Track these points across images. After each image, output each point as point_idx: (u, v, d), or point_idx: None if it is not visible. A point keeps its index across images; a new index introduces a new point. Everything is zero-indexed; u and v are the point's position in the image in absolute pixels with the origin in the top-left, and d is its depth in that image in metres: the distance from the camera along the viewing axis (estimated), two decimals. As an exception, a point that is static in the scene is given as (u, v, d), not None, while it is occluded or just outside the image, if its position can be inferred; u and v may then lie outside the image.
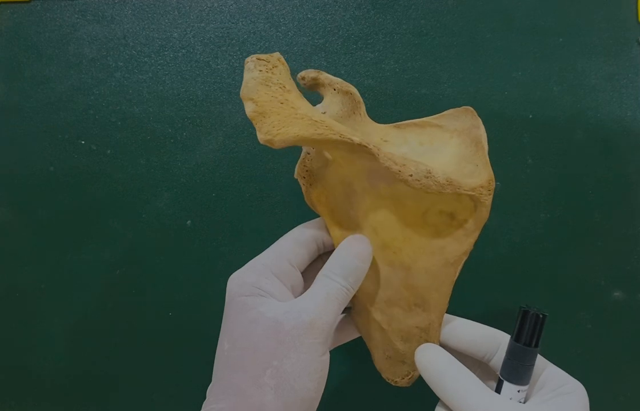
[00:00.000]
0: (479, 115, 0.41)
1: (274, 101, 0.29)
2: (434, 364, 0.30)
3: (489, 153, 0.42)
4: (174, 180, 0.42)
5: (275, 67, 0.31)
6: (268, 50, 0.43)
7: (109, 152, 0.43)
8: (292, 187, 0.42)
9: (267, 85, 0.30)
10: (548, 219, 0.41)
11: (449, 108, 0.37)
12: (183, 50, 0.43)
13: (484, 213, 0.31)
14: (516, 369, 0.30)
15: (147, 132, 0.43)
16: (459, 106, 0.41)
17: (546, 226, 0.41)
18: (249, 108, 0.29)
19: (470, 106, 0.41)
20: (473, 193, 0.30)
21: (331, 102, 0.34)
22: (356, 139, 0.28)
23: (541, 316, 0.30)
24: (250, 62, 0.30)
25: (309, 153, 0.33)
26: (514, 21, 0.42)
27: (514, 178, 0.41)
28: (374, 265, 0.32)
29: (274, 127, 0.28)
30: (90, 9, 0.44)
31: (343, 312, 0.34)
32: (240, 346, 0.28)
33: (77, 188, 0.42)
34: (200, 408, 0.29)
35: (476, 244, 0.41)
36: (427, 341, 0.33)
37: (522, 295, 0.41)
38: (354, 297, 0.33)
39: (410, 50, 0.43)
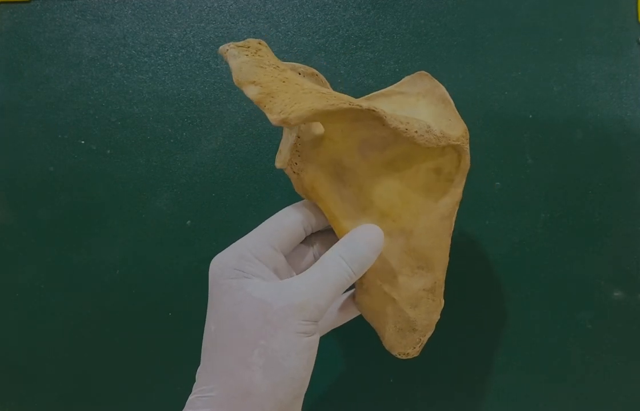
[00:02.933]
0: (479, 116, 0.42)
1: (276, 81, 0.29)
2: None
3: (489, 153, 0.42)
4: (174, 180, 0.42)
5: (259, 51, 0.30)
6: (268, 50, 0.43)
7: (109, 152, 0.43)
8: (293, 187, 0.42)
9: (262, 66, 0.29)
10: (548, 219, 0.41)
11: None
12: (183, 50, 0.43)
13: (467, 161, 0.32)
14: None
15: (147, 132, 0.43)
16: (458, 106, 0.41)
17: (546, 226, 0.41)
18: (254, 91, 0.28)
19: (470, 106, 0.42)
20: (458, 142, 0.31)
21: None
22: (364, 105, 0.29)
23: None
24: (232, 49, 0.29)
25: (299, 137, 0.32)
26: (514, 21, 0.42)
27: (514, 178, 0.41)
28: None
29: (286, 105, 0.27)
30: (90, 8, 0.44)
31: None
32: (227, 327, 0.28)
33: (77, 188, 0.42)
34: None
35: (476, 244, 0.41)
36: (434, 301, 0.33)
37: (522, 295, 0.41)
38: (362, 276, 0.32)
39: (410, 50, 0.43)
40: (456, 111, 0.33)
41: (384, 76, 0.42)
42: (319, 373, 0.41)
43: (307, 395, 0.37)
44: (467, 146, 0.32)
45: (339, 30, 0.43)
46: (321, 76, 0.33)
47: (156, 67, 0.43)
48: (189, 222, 0.42)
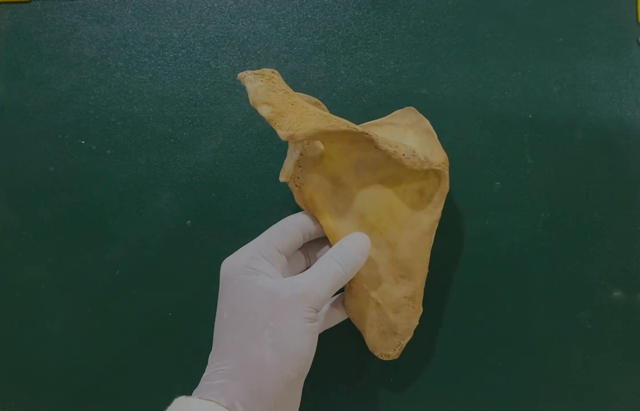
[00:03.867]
0: (479, 116, 0.42)
1: (286, 103, 0.33)
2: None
3: (489, 153, 0.42)
4: (174, 180, 0.42)
5: (272, 78, 0.35)
6: (268, 50, 0.43)
7: (109, 152, 0.43)
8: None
9: (274, 91, 0.34)
10: (548, 219, 0.41)
11: (448, 108, 0.42)
12: (183, 51, 0.43)
13: (446, 185, 0.37)
14: None
15: (147, 132, 0.43)
16: (459, 106, 0.42)
17: (546, 226, 0.41)
18: (266, 111, 0.32)
19: (470, 106, 0.42)
20: (439, 168, 0.36)
21: None
22: (359, 128, 0.34)
23: None
24: (249, 75, 0.34)
25: (302, 154, 0.36)
26: (514, 21, 0.42)
27: (514, 178, 0.41)
28: None
29: (293, 124, 0.32)
30: (90, 9, 0.44)
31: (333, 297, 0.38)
32: (239, 312, 0.31)
33: (77, 188, 0.43)
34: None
35: (476, 244, 0.41)
36: (413, 308, 0.38)
37: (522, 295, 0.41)
38: (351, 280, 0.36)
39: (410, 50, 0.43)
40: (438, 142, 0.38)
41: (384, 76, 0.42)
42: (319, 373, 0.41)
43: (307, 394, 0.38)
44: (447, 172, 0.37)
45: (339, 30, 0.43)
46: (323, 105, 0.38)
47: (156, 68, 0.43)
48: (189, 222, 0.42)
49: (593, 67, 0.42)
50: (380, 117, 0.41)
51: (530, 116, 0.42)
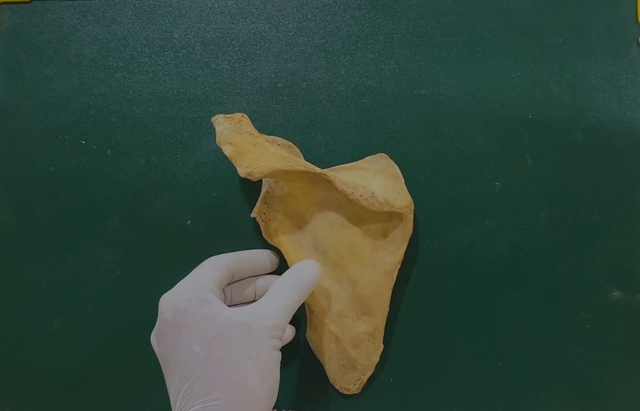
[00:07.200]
0: (479, 116, 0.42)
1: (248, 144, 0.36)
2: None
3: (489, 153, 0.42)
4: (174, 180, 0.42)
5: (241, 121, 0.38)
6: (268, 50, 0.43)
7: (109, 152, 0.43)
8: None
9: (239, 133, 0.36)
10: (548, 219, 0.41)
11: (448, 108, 0.42)
12: (183, 51, 0.43)
13: (409, 227, 0.38)
14: None
15: (147, 132, 0.43)
16: (458, 106, 0.42)
17: (546, 226, 0.41)
18: (229, 150, 0.35)
19: (470, 106, 0.42)
20: (401, 211, 0.37)
21: None
22: (318, 170, 0.36)
23: None
24: (220, 118, 0.37)
25: (268, 192, 0.38)
26: (514, 21, 0.42)
27: (514, 178, 0.41)
28: (326, 284, 0.39)
29: (252, 162, 0.34)
30: (91, 9, 0.44)
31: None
32: (217, 344, 0.30)
33: (77, 188, 0.43)
34: None
35: (476, 244, 0.41)
36: (373, 344, 0.39)
37: (522, 295, 0.41)
38: (311, 313, 0.39)
39: (410, 50, 0.43)
40: (404, 187, 0.39)
41: (384, 76, 0.42)
42: (320, 373, 0.41)
43: (308, 394, 0.38)
44: (411, 215, 0.38)
45: (339, 30, 0.43)
46: (296, 148, 0.40)
47: (157, 68, 0.43)
48: (189, 222, 0.42)
49: (593, 67, 0.42)
50: (380, 117, 0.42)
51: (530, 116, 0.42)
